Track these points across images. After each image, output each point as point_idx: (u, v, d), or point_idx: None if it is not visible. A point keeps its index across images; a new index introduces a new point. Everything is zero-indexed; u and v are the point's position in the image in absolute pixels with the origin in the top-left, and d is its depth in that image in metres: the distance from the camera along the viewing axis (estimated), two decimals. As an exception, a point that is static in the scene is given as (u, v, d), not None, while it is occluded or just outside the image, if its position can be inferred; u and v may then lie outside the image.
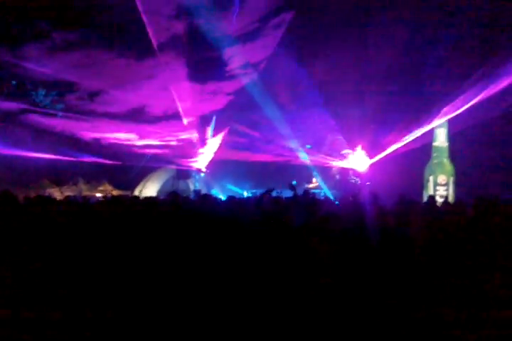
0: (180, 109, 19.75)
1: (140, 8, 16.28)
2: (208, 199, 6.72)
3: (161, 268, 3.90)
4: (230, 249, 3.94)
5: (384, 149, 18.61)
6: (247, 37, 18.10)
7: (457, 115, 16.53)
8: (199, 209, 5.38)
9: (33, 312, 3.46)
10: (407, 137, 17.69)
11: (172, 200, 5.57)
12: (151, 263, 3.97)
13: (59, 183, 19.76)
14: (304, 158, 21.76)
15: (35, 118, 18.86)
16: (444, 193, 16.63)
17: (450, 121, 16.98)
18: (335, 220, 4.06)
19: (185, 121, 20.48)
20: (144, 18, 16.64)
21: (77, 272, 3.91)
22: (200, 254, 3.83)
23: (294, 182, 21.73)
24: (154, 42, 17.54)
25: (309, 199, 5.68)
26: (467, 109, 16.10)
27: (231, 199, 5.70)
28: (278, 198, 6.09)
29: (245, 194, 19.26)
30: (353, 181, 20.51)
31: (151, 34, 17.33)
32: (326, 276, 3.45)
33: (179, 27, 17.70)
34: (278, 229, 4.03)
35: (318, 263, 3.51)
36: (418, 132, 17.48)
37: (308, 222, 3.98)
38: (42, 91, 19.01)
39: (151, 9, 16.90)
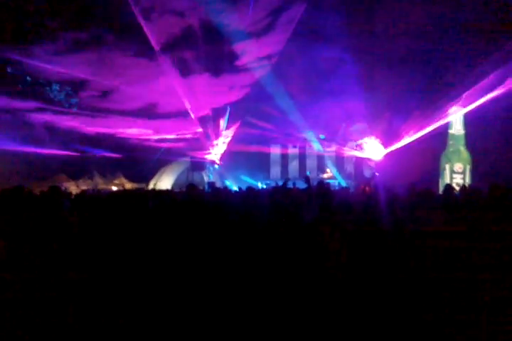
0: (190, 104, 19.82)
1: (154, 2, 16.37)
2: (221, 191, 6.71)
3: (175, 260, 3.91)
4: (243, 239, 3.93)
5: (399, 138, 18.39)
6: (261, 30, 18.03)
7: (474, 102, 16.25)
8: (212, 202, 5.37)
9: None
10: (423, 125, 17.44)
11: (188, 193, 5.51)
12: (164, 255, 3.98)
13: (75, 177, 20.00)
14: (318, 148, 21.68)
15: (51, 114, 19.10)
16: (461, 181, 16.42)
17: (467, 109, 16.72)
18: (348, 210, 4.03)
19: (199, 114, 20.55)
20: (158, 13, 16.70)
21: (91, 264, 3.95)
22: (212, 246, 3.83)
23: (308, 173, 21.80)
24: (168, 37, 17.59)
25: (323, 190, 5.62)
26: (485, 96, 15.82)
27: (246, 191, 5.65)
28: (289, 190, 6.04)
29: (260, 185, 19.24)
30: (368, 171, 20.32)
31: (164, 29, 17.37)
32: (338, 268, 3.42)
33: (194, 21, 17.68)
34: (291, 221, 4.00)
35: (330, 253, 3.49)
36: (434, 120, 17.22)
37: (322, 212, 3.94)
38: (56, 86, 19.18)
39: (166, 3, 16.95)
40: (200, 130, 21.45)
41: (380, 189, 4.55)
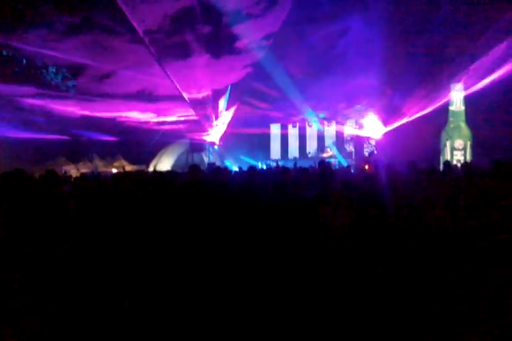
0: (190, 86, 19.69)
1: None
2: (221, 172, 6.68)
3: (176, 241, 3.92)
4: (245, 220, 3.93)
5: (400, 115, 18.28)
6: (259, 11, 17.77)
7: (474, 78, 16.11)
8: (214, 182, 5.34)
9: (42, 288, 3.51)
10: (424, 103, 17.32)
11: (191, 174, 5.45)
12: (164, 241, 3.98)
13: (75, 160, 20.00)
14: (318, 127, 21.62)
15: (48, 98, 19.00)
16: (461, 158, 16.40)
17: (467, 85, 16.59)
18: (348, 189, 4.01)
19: (198, 96, 20.42)
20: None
21: (90, 248, 3.95)
22: (210, 228, 3.83)
23: (308, 153, 21.74)
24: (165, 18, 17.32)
25: (325, 169, 5.59)
26: (485, 72, 15.66)
27: (248, 171, 5.60)
28: (289, 171, 6.01)
29: (260, 165, 19.24)
30: (369, 149, 20.28)
31: (160, 11, 17.10)
32: (339, 245, 3.43)
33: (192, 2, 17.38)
34: (291, 201, 3.99)
35: (332, 232, 3.48)
36: (435, 97, 17.11)
37: (323, 191, 3.92)
38: (52, 69, 18.99)
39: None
40: (199, 111, 21.37)
41: (380, 167, 4.52)
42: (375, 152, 18.13)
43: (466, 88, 16.60)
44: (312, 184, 4.32)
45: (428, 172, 5.76)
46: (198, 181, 4.82)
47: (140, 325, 3.30)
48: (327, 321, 3.04)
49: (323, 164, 6.59)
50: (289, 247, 3.52)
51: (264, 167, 17.86)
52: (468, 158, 16.38)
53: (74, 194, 5.12)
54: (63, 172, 15.68)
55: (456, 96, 16.96)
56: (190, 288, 3.49)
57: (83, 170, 17.30)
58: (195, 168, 5.28)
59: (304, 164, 11.59)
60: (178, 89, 19.63)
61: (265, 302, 3.25)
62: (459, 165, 13.41)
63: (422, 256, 3.55)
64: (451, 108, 17.06)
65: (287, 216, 3.68)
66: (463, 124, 16.86)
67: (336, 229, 3.47)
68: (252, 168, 5.57)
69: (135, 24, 16.87)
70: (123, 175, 7.52)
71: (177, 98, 20.20)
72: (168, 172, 8.85)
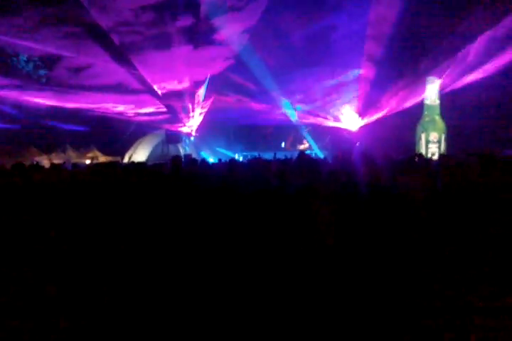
0: (168, 78, 19.47)
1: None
2: (196, 164, 6.60)
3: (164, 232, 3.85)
4: (231, 214, 3.88)
5: (376, 109, 18.47)
6: (239, 4, 17.65)
7: (450, 73, 16.40)
8: (192, 175, 5.25)
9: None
10: (400, 96, 17.55)
11: (173, 165, 5.33)
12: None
13: (47, 151, 19.51)
14: (295, 119, 21.63)
15: (20, 89, 18.52)
16: (436, 150, 16.69)
17: (445, 82, 16.89)
18: (334, 180, 4.00)
19: (179, 86, 20.19)
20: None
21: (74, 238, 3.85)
22: (200, 219, 3.77)
23: (282, 145, 21.71)
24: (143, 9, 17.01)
25: (306, 160, 5.56)
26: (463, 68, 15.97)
27: (229, 163, 5.51)
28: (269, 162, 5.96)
29: (237, 157, 19.17)
30: (345, 141, 20.43)
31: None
32: (327, 237, 3.41)
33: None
34: (274, 193, 3.96)
35: (319, 223, 3.46)
36: (412, 91, 17.34)
37: (310, 183, 3.89)
38: (23, 57, 18.43)
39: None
40: (174, 104, 21.14)
41: (361, 158, 4.54)
42: (358, 143, 18.25)
43: (444, 84, 16.86)
44: (297, 175, 4.28)
45: (405, 163, 5.84)
46: (181, 172, 4.74)
47: (131, 319, 3.23)
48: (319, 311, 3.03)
49: (304, 156, 6.56)
50: (280, 239, 3.49)
51: (241, 159, 17.81)
52: (443, 150, 16.68)
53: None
54: (35, 163, 15.29)
55: (431, 90, 17.20)
56: (178, 278, 3.44)
57: (55, 161, 16.90)
58: (176, 159, 5.16)
59: (280, 156, 11.57)
60: (155, 81, 19.42)
61: (253, 295, 3.21)
62: (434, 157, 13.66)
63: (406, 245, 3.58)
64: (427, 102, 17.31)
65: (274, 208, 3.65)
66: (437, 117, 17.12)
67: (324, 220, 3.45)
68: (233, 160, 5.50)
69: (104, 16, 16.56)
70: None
71: (154, 90, 19.97)
72: (148, 163, 8.70)
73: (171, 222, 3.80)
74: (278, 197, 3.81)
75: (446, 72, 16.57)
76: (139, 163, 8.69)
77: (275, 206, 3.70)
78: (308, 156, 6.55)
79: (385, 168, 4.59)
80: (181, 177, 4.50)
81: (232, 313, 3.06)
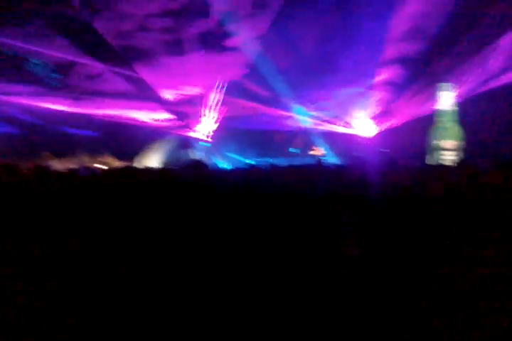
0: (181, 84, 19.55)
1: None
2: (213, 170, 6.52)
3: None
4: (251, 222, 3.78)
5: (391, 115, 18.31)
6: (249, 11, 17.71)
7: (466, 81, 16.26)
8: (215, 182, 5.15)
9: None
10: (415, 102, 17.39)
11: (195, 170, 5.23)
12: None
13: (60, 155, 19.59)
14: (308, 125, 21.50)
15: (34, 94, 18.68)
16: (451, 158, 16.45)
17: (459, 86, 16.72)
18: (360, 187, 3.88)
19: (193, 91, 20.26)
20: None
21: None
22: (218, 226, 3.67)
23: (294, 150, 21.60)
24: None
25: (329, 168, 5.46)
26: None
27: (250, 170, 5.39)
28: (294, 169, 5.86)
29: (249, 162, 19.09)
30: (358, 148, 20.24)
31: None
32: (352, 247, 3.28)
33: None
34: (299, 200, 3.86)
35: (343, 232, 3.33)
36: (427, 97, 17.17)
37: (333, 190, 3.77)
38: (36, 61, 18.58)
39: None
40: (186, 109, 21.22)
41: (387, 165, 4.42)
42: (381, 150, 18.05)
43: (462, 92, 16.68)
44: (323, 182, 4.17)
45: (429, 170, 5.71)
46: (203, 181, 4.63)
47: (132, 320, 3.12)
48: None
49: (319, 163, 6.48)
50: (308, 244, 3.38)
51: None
52: (458, 158, 16.43)
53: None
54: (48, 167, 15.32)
55: (446, 96, 17.02)
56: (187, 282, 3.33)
57: (69, 166, 16.93)
58: (198, 165, 5.03)
59: (296, 162, 11.46)
60: (168, 87, 19.51)
61: (261, 299, 3.10)
62: (451, 164, 13.45)
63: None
64: (441, 108, 17.12)
65: (301, 214, 3.54)
66: (452, 124, 16.90)
67: (349, 228, 3.32)
68: (255, 169, 5.40)
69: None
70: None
71: (167, 96, 20.08)
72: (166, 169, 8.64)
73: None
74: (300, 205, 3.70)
75: (465, 77, 16.37)
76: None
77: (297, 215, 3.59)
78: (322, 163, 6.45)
79: (413, 175, 4.48)
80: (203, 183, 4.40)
81: (251, 321, 2.95)
